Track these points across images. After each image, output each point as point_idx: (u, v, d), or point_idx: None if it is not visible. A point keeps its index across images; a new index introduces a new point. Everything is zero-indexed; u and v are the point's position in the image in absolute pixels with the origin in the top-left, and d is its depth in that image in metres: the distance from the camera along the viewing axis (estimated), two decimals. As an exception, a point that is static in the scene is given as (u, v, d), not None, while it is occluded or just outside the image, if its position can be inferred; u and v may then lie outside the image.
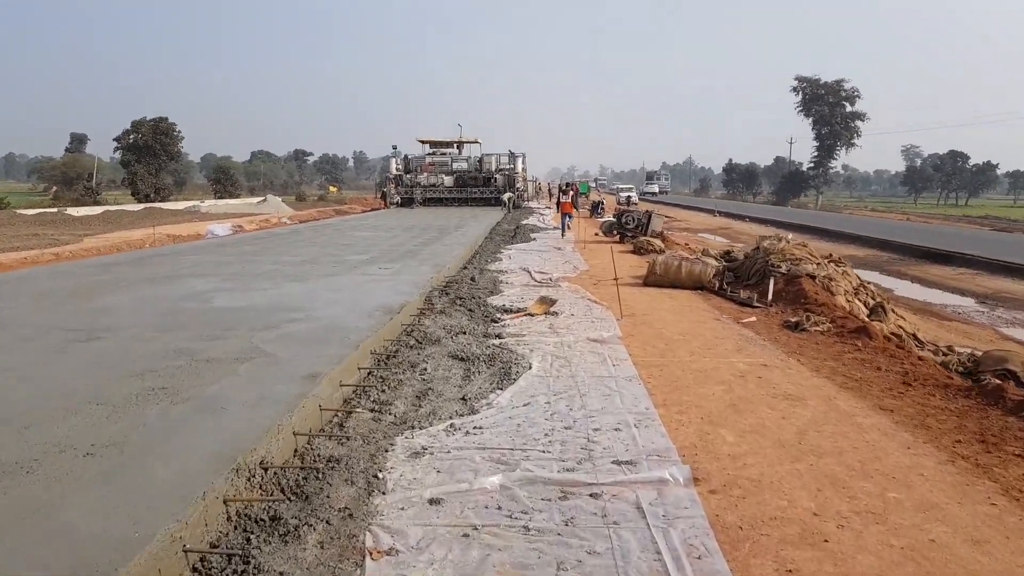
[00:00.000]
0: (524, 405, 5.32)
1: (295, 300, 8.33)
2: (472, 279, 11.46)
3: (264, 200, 45.20)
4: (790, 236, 12.37)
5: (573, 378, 6.08)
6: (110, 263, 13.00)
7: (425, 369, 6.08)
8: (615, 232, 21.05)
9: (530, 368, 6.31)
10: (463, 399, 5.41)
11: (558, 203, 29.42)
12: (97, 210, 37.88)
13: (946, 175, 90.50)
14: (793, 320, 8.56)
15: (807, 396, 5.73)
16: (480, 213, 32.09)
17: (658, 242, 17.72)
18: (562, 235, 21.97)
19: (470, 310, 8.79)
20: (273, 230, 26.49)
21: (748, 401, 5.58)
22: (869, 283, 11.64)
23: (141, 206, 42.30)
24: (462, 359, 6.49)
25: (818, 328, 8.20)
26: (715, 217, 45.53)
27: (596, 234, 23.03)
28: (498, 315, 8.79)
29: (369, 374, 5.74)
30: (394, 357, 6.33)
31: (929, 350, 8.33)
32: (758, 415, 5.24)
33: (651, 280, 11.78)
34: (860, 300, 10.76)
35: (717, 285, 11.41)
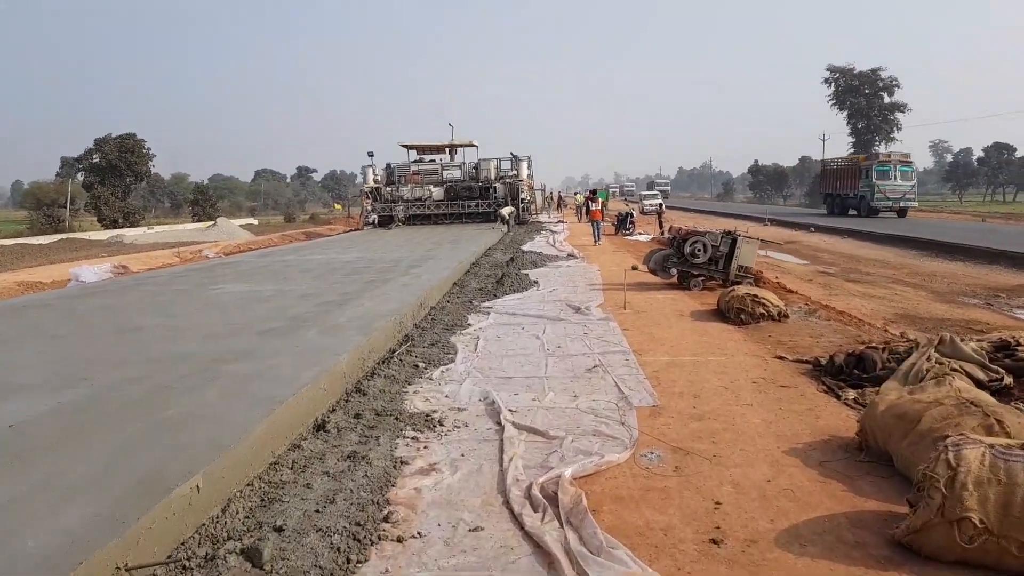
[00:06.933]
0: None
1: None
2: None
3: (214, 225, 37.18)
4: None
5: None
6: None
7: None
8: (670, 270, 12.42)
9: None
10: None
11: (585, 211, 30.36)
12: (-12, 246, 29.86)
13: (992, 169, 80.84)
14: None
15: None
16: (468, 234, 23.70)
17: (770, 296, 8.99)
18: (594, 242, 21.49)
19: None
20: (159, 271, 18.13)
21: None
22: None
23: (55, 238, 34.31)
24: None
25: None
26: (766, 226, 36.73)
27: (634, 267, 14.40)
28: None
29: None
30: None
31: None
32: None
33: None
34: None
35: None
